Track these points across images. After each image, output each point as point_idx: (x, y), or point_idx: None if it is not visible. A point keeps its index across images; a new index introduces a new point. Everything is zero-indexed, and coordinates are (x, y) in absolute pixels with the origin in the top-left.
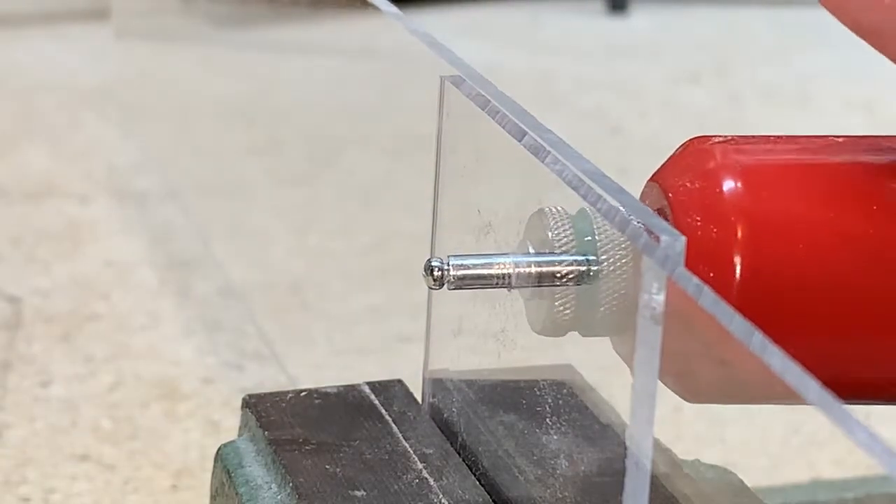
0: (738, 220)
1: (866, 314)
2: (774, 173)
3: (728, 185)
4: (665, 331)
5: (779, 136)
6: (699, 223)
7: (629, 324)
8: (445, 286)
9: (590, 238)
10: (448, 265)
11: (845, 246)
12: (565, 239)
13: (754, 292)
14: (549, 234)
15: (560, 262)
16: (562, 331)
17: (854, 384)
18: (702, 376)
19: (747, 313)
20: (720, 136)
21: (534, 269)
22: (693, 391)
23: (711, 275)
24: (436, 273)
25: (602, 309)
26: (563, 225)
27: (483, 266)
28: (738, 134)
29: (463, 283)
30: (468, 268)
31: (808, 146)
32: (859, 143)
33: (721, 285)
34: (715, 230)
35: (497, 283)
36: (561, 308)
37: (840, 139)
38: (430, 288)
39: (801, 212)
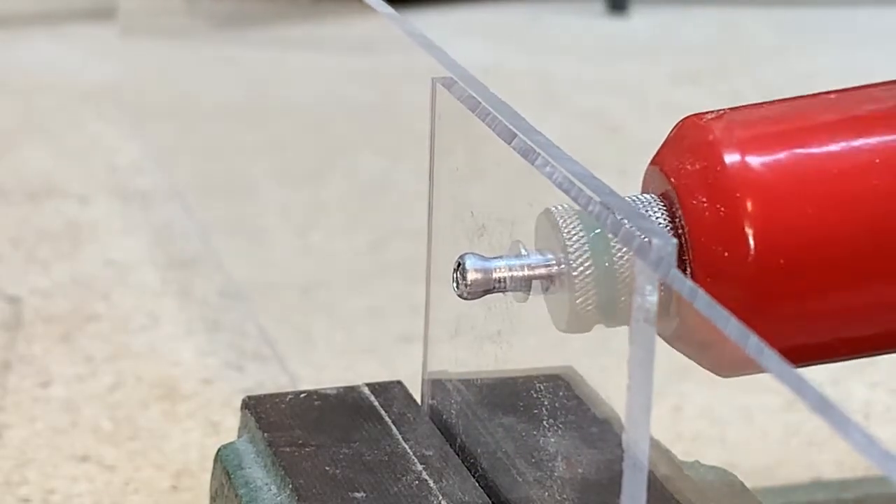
0: (745, 193)
1: (880, 268)
2: (774, 140)
3: (731, 158)
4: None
5: (770, 102)
6: (705, 203)
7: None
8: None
9: (599, 231)
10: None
11: (853, 202)
12: (577, 236)
13: (768, 263)
14: (562, 231)
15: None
16: (587, 325)
17: (870, 339)
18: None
19: (763, 283)
20: (713, 112)
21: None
22: (718, 367)
23: (725, 255)
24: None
25: (623, 298)
26: (573, 222)
27: (510, 269)
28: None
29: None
30: (493, 271)
31: (801, 108)
32: (852, 97)
33: (735, 260)
34: (722, 208)
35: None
36: (582, 302)
37: (832, 95)
38: (458, 294)
39: (807, 175)
